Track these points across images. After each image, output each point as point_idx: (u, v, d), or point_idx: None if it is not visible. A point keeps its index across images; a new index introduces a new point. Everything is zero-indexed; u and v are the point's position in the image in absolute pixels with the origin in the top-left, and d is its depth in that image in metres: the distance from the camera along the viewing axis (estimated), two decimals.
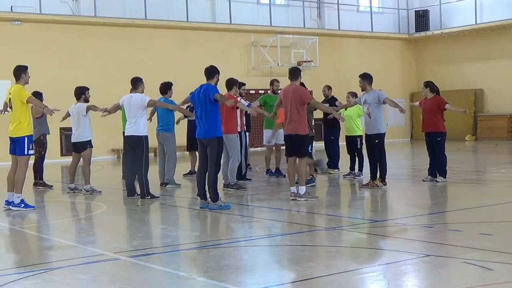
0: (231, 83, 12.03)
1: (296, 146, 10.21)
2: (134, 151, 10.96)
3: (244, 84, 13.43)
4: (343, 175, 13.49)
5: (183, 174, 14.58)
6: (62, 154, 20.90)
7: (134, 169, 11.07)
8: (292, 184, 10.38)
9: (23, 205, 10.07)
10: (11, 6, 20.99)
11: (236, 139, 11.92)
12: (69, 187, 12.25)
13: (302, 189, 10.15)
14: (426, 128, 12.24)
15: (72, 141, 12.28)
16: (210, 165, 9.59)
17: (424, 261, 6.08)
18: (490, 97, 27.44)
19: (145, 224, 9.10)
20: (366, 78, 11.62)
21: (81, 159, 12.15)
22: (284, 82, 14.74)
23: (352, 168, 13.49)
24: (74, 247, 7.43)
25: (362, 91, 11.68)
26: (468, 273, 5.65)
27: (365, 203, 10.72)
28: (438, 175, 12.10)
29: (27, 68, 10.21)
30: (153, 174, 12.69)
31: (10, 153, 10.19)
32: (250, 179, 13.41)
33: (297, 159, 10.32)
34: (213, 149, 9.55)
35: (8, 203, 10.13)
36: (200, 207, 9.66)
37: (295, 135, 10.16)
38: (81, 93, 12.16)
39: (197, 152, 14.17)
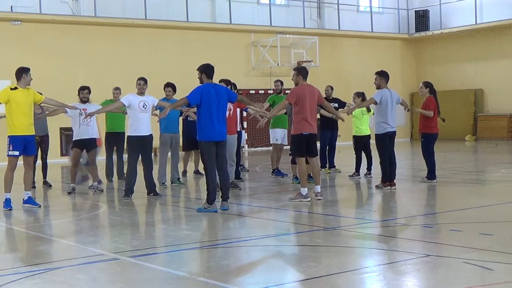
0: (226, 84, 12.07)
1: (315, 145, 10.29)
2: (146, 150, 11.11)
3: (235, 85, 13.30)
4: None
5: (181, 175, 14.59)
6: (62, 154, 20.89)
7: (147, 168, 11.19)
8: (305, 185, 10.20)
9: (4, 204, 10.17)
10: (11, 6, 20.98)
11: (235, 139, 12.00)
12: (89, 187, 12.31)
13: (319, 188, 10.22)
14: (419, 128, 12.40)
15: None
16: (226, 165, 9.72)
17: (424, 261, 6.08)
18: (490, 97, 27.43)
19: (145, 224, 9.10)
20: (382, 76, 11.58)
21: (90, 156, 12.20)
22: (286, 82, 14.82)
23: (368, 168, 13.48)
24: (74, 247, 7.44)
25: (377, 88, 11.58)
26: (468, 273, 5.65)
27: (365, 203, 10.72)
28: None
29: (29, 70, 10.23)
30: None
31: None
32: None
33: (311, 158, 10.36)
34: (225, 149, 9.76)
35: (24, 201, 10.32)
36: (222, 209, 9.47)
37: (314, 134, 10.20)
38: (78, 93, 12.25)
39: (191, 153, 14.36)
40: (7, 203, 10.14)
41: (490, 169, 15.68)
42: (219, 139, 9.51)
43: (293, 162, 12.00)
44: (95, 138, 12.20)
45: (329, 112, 12.05)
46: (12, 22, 20.79)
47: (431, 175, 12.06)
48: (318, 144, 14.37)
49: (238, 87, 13.27)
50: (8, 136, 10.07)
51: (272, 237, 7.68)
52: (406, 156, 20.56)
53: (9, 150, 10.07)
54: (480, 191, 11.61)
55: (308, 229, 8.26)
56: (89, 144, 12.07)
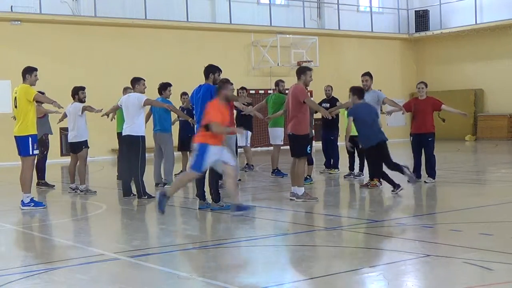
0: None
1: (295, 146, 10.17)
2: (130, 151, 10.93)
3: (232, 84, 13.21)
4: (344, 175, 13.47)
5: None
6: (62, 154, 20.90)
7: (131, 169, 11.04)
8: (293, 184, 10.37)
9: (32, 204, 10.12)
10: (11, 6, 21.00)
11: (233, 139, 11.98)
12: (70, 187, 12.25)
13: (300, 190, 10.12)
14: (421, 129, 11.97)
15: (68, 141, 12.29)
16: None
17: (424, 261, 6.08)
18: (490, 97, 27.44)
19: (145, 224, 9.10)
20: (371, 77, 11.64)
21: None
22: (287, 82, 14.82)
23: (351, 168, 13.46)
24: (74, 247, 7.43)
25: (367, 90, 11.58)
26: (468, 273, 5.65)
27: (365, 203, 10.71)
28: (427, 175, 12.00)
29: (34, 70, 10.26)
30: (150, 175, 12.68)
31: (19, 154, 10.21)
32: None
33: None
34: None
35: (27, 204, 10.22)
36: (199, 208, 9.64)
37: (292, 134, 10.14)
38: (74, 93, 12.19)
39: (188, 153, 14.32)
40: (37, 202, 10.21)
41: (490, 169, 15.68)
42: None
43: (311, 162, 12.21)
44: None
45: (316, 110, 11.98)
46: (12, 22, 20.80)
47: (434, 173, 11.98)
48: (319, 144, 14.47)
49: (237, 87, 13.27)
50: (31, 135, 9.99)
51: (272, 237, 7.68)
52: (406, 157, 20.54)
53: (34, 149, 10.03)
54: (480, 191, 11.60)
55: (308, 229, 8.26)
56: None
